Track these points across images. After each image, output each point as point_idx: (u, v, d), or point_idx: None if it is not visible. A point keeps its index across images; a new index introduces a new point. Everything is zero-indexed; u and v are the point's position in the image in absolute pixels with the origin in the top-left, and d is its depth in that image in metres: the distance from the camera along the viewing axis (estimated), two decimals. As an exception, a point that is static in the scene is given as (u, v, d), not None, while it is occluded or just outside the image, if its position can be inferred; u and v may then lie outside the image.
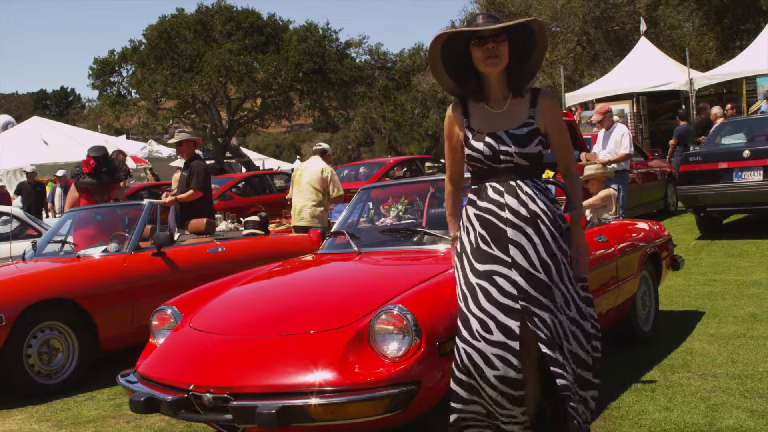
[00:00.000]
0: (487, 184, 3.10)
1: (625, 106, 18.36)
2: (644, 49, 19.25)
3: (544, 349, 2.96)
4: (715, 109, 13.58)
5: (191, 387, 3.32)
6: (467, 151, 3.12)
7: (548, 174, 10.17)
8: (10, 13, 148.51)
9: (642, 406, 4.00)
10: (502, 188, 3.06)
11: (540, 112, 3.12)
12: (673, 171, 12.95)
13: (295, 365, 3.26)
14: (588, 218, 5.14)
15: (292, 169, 12.45)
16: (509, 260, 2.98)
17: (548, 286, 3.00)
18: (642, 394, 4.19)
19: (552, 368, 2.98)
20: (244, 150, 35.03)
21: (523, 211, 3.01)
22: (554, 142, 3.19)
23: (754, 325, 5.50)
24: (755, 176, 9.20)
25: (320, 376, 3.18)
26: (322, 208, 8.29)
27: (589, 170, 7.69)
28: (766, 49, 15.97)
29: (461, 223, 3.21)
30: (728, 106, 14.44)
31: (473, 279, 3.04)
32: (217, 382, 3.30)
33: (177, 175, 10.61)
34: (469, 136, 3.11)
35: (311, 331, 3.42)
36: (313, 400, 3.11)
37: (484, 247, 3.04)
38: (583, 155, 9.68)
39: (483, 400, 3.02)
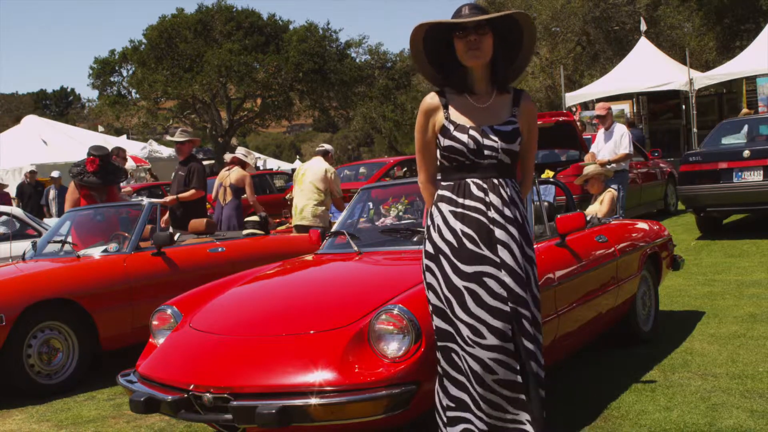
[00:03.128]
0: (469, 180, 2.99)
1: (625, 106, 18.37)
2: (644, 49, 19.24)
3: (529, 345, 2.91)
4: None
5: (191, 387, 3.32)
6: (447, 142, 2.99)
7: (548, 174, 10.22)
8: (10, 13, 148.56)
9: (642, 406, 4.00)
10: (485, 185, 2.97)
11: (522, 113, 3.07)
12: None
13: (295, 365, 3.26)
14: (588, 218, 5.14)
15: (293, 170, 12.41)
16: (498, 261, 2.90)
17: (528, 285, 2.96)
18: (642, 394, 4.19)
19: (531, 362, 2.91)
20: (244, 150, 34.99)
21: (507, 212, 2.95)
22: (524, 144, 3.11)
23: (754, 325, 5.50)
24: (755, 176, 9.21)
25: (320, 376, 3.18)
26: (324, 208, 8.30)
27: (589, 170, 7.70)
28: (766, 49, 15.96)
29: (430, 222, 3.08)
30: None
31: (459, 282, 2.93)
32: (217, 382, 3.30)
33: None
34: (450, 128, 3.00)
35: (311, 331, 3.42)
36: (313, 400, 3.11)
37: (471, 246, 2.93)
38: (588, 156, 9.69)
39: (472, 414, 2.93)
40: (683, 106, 18.39)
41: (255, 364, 3.32)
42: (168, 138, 10.89)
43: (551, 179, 6.73)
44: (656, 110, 19.83)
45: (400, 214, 5.19)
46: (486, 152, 2.96)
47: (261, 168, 28.70)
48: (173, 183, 8.15)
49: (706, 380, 4.34)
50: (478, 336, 2.88)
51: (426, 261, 3.06)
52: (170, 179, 13.15)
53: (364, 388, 3.13)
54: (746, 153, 9.29)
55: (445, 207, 3.02)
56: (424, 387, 3.15)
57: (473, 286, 2.91)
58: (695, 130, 16.67)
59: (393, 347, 3.25)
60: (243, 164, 8.86)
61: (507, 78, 3.07)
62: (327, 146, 8.80)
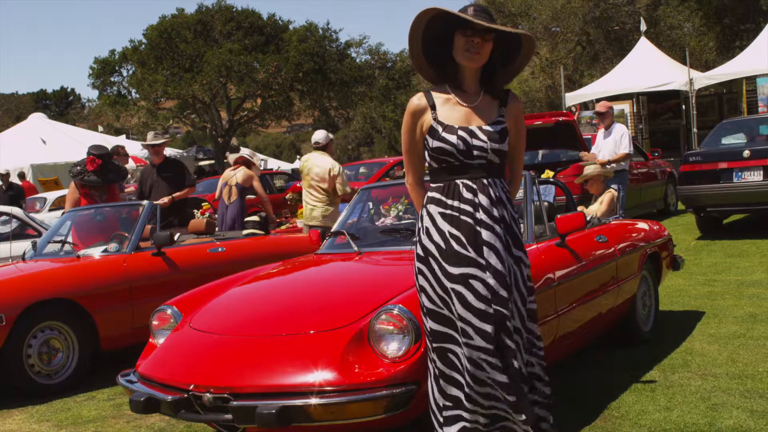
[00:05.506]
0: (458, 181, 2.98)
1: (625, 106, 18.37)
2: (644, 49, 19.25)
3: (512, 345, 2.88)
4: None
5: (191, 387, 3.32)
6: (436, 144, 2.98)
7: (548, 174, 10.22)
8: (10, 13, 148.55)
9: (642, 406, 4.00)
10: (475, 186, 2.96)
11: (510, 112, 3.08)
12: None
13: (295, 365, 3.26)
14: (588, 218, 5.14)
15: (293, 170, 12.29)
16: (484, 263, 2.89)
17: (516, 285, 2.96)
18: (642, 394, 4.19)
19: (514, 361, 2.89)
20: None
21: (495, 213, 2.94)
22: (512, 144, 3.11)
23: (754, 325, 5.50)
24: (755, 176, 9.21)
25: (320, 376, 3.18)
26: (333, 208, 8.26)
27: (589, 170, 7.70)
28: (766, 49, 15.96)
29: (420, 224, 3.07)
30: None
31: (448, 284, 2.93)
32: (217, 382, 3.30)
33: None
34: (439, 129, 2.99)
35: (311, 331, 3.42)
36: (313, 400, 3.11)
37: (458, 248, 2.92)
38: (582, 154, 9.69)
39: (468, 411, 2.92)
40: (683, 106, 18.40)
41: (255, 364, 3.32)
42: (142, 143, 10.70)
43: (551, 179, 6.73)
44: (656, 110, 19.84)
45: (400, 214, 5.19)
46: (475, 153, 2.96)
47: (263, 168, 28.67)
48: (157, 185, 7.94)
49: (706, 380, 4.34)
50: (466, 337, 2.89)
51: (417, 264, 3.05)
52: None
53: (364, 388, 3.13)
54: (746, 153, 9.29)
55: (434, 209, 3.01)
56: (424, 387, 3.15)
57: (459, 288, 2.91)
58: (695, 130, 16.68)
59: (393, 347, 3.25)
60: (249, 164, 8.84)
61: (497, 84, 3.07)
62: (322, 136, 8.33)
